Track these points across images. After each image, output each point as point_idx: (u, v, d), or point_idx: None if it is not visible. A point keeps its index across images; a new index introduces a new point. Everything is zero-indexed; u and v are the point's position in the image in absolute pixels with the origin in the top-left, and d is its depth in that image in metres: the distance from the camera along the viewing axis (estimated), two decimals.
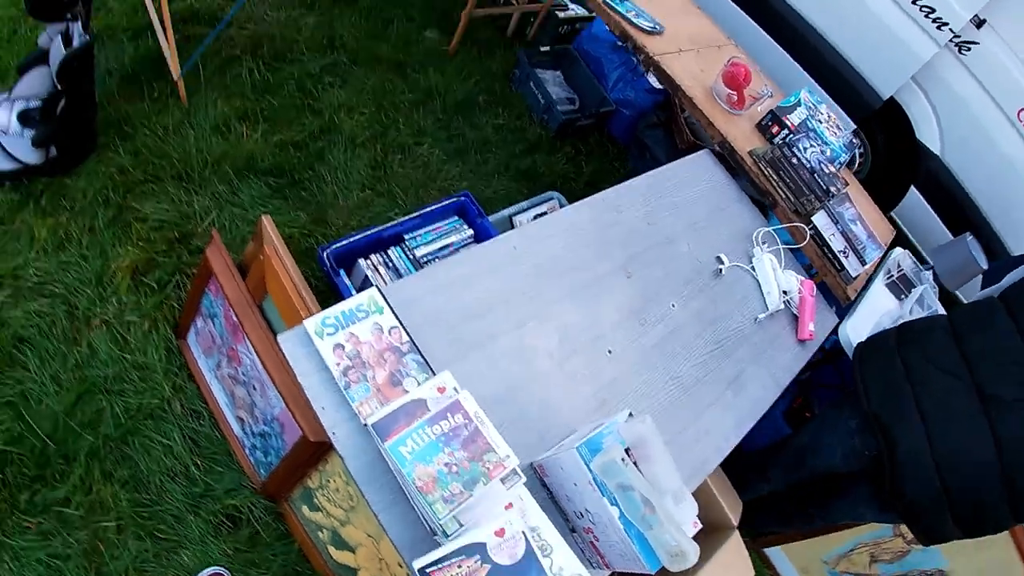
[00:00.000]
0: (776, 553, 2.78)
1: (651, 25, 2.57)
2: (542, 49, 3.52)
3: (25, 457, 1.81)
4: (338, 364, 1.28)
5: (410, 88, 3.16)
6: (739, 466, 2.17)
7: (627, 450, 1.22)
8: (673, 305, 1.83)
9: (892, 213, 4.13)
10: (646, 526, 1.17)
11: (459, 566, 1.06)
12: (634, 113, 3.47)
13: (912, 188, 3.97)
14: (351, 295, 2.00)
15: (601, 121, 3.55)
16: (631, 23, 2.53)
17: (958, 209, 3.77)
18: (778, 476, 2.26)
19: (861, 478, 1.96)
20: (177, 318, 2.09)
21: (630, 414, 1.26)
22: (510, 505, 1.16)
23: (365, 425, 1.22)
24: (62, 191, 2.22)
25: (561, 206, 2.67)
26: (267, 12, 3.11)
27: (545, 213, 2.60)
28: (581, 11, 3.76)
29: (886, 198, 4.08)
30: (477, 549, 1.08)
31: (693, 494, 1.59)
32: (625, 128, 3.54)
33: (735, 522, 2.08)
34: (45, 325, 1.98)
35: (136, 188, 2.30)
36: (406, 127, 2.98)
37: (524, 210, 2.57)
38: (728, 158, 2.34)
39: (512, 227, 2.53)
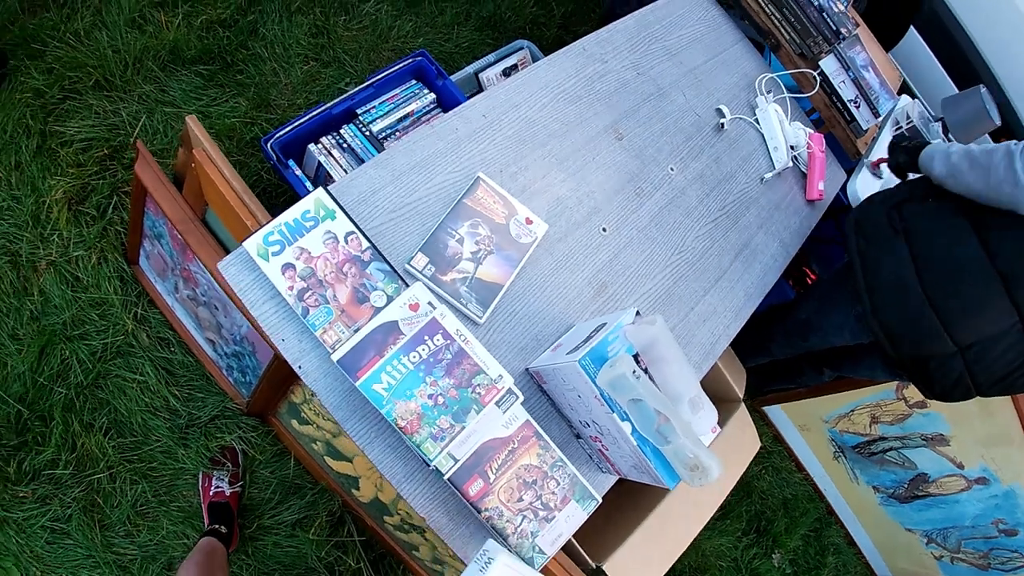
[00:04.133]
0: (775, 411, 2.80)
1: None
2: None
3: (1, 427, 1.70)
4: (290, 288, 1.09)
5: None
6: (744, 331, 2.07)
7: (636, 356, 1.06)
8: (672, 168, 1.62)
9: (889, 54, 3.86)
10: (662, 440, 1.04)
11: None
12: None
13: (912, 28, 3.67)
14: (303, 185, 1.81)
15: None
16: None
17: (960, 58, 3.50)
18: (780, 350, 2.19)
19: (871, 348, 1.84)
20: (124, 242, 1.89)
21: (637, 312, 1.09)
22: None
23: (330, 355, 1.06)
24: None
25: (532, 56, 2.36)
26: None
27: (515, 66, 2.29)
28: None
29: (883, 37, 3.81)
30: None
31: None
32: None
33: (740, 394, 2.03)
34: None
35: (56, 109, 2.01)
36: None
37: (491, 64, 2.25)
38: None
39: (479, 86, 2.23)
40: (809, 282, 2.58)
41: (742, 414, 2.04)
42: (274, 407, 1.79)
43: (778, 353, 2.22)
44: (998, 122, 2.18)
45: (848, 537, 3.08)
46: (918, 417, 2.39)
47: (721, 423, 2.01)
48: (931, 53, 3.67)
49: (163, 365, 1.85)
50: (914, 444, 2.50)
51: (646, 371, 1.07)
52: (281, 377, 1.56)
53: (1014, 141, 1.43)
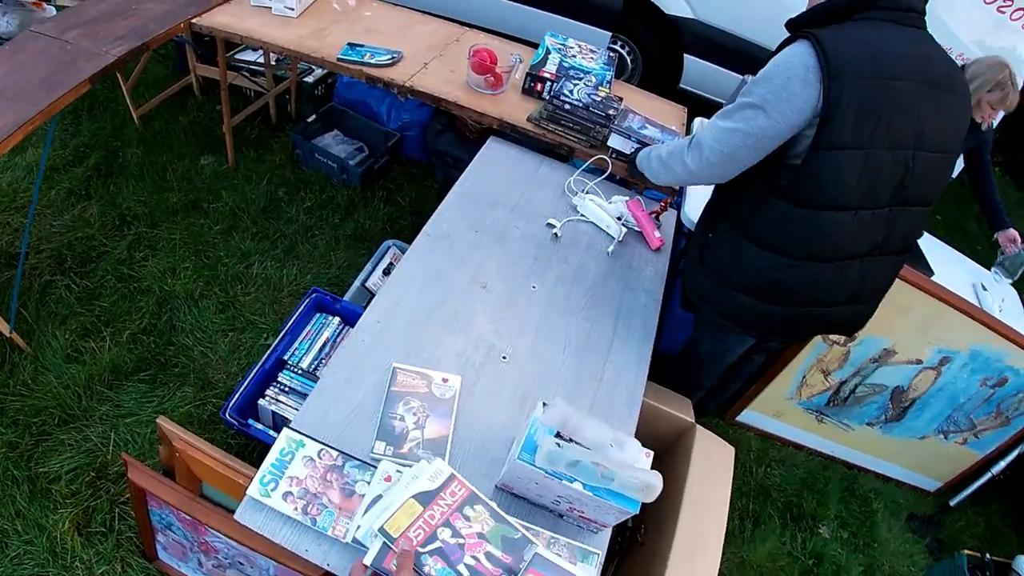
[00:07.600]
0: (747, 415, 3.03)
1: (388, 57, 2.71)
2: (309, 120, 3.61)
3: None
4: (295, 508, 1.39)
5: (214, 220, 3.22)
6: (674, 375, 2.41)
7: (558, 434, 1.39)
8: (534, 286, 2.00)
9: (683, 86, 4.49)
10: (608, 481, 1.35)
11: None
12: (419, 130, 3.63)
13: (686, 57, 4.32)
14: (268, 435, 2.11)
15: (395, 153, 3.70)
16: (370, 65, 2.67)
17: (739, 54, 4.12)
18: (709, 378, 2.52)
19: None
20: (139, 544, 2.11)
21: (543, 404, 1.43)
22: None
23: (347, 543, 1.34)
24: None
25: (400, 249, 2.80)
26: (52, 224, 3.06)
27: (391, 263, 2.73)
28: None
29: (671, 78, 4.44)
30: None
31: (641, 418, 1.80)
32: (418, 147, 3.71)
33: (691, 419, 2.27)
34: None
35: (33, 454, 2.29)
36: (230, 257, 3.05)
37: (371, 271, 2.69)
38: (513, 133, 2.53)
39: (370, 293, 2.64)
40: None
41: (703, 434, 2.23)
42: None
43: (708, 383, 2.54)
44: None
45: (880, 476, 3.20)
46: (856, 348, 2.64)
47: (685, 448, 2.22)
48: (711, 64, 4.32)
49: None
50: (870, 371, 2.72)
51: (571, 440, 1.40)
52: None
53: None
